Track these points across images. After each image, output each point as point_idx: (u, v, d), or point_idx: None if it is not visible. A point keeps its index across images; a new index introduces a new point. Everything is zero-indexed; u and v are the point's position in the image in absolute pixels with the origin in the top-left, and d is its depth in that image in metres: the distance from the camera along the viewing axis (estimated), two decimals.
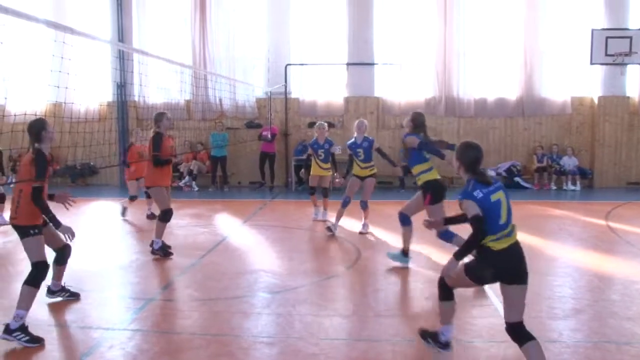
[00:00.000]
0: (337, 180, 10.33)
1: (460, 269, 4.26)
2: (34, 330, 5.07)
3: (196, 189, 16.05)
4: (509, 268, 4.06)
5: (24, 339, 4.95)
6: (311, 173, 11.14)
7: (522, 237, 4.29)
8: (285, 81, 16.38)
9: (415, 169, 7.26)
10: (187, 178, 16.23)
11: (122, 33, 16.96)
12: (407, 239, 7.55)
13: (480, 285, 5.00)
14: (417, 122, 7.35)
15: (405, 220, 7.44)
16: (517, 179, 15.86)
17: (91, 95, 16.69)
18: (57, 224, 5.35)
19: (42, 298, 6.33)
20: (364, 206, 9.70)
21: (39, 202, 5.24)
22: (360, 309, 5.97)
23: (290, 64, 16.46)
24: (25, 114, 6.99)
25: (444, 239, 6.97)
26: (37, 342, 4.97)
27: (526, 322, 4.10)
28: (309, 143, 11.43)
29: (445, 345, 4.59)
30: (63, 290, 6.18)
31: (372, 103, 16.44)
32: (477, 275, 4.26)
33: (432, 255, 8.01)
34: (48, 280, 5.63)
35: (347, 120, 16.38)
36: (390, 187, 15.72)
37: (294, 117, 16.84)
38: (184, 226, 10.39)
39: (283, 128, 16.74)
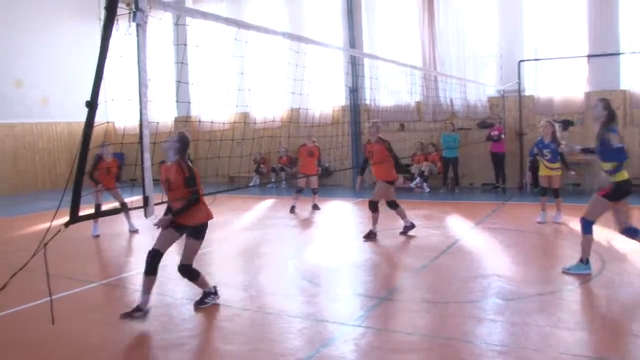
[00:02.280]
0: (572, 174, 10.70)
1: None
2: (272, 320, 5.47)
3: (427, 190, 16.03)
4: None
5: (214, 299, 6.17)
6: (539, 174, 10.76)
7: None
8: (519, 78, 15.59)
9: (609, 165, 6.77)
10: (418, 179, 16.29)
11: (353, 39, 17.60)
12: (587, 247, 6.97)
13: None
14: (611, 110, 6.76)
15: (587, 227, 6.90)
16: None
17: (325, 100, 17.57)
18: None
19: (280, 290, 6.79)
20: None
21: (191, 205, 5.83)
22: (609, 325, 5.40)
23: (523, 60, 15.64)
24: (264, 122, 7.52)
25: (629, 235, 6.70)
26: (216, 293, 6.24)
27: None
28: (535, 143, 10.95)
29: None
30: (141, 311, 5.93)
31: (617, 97, 14.88)
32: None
33: None
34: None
35: (589, 118, 15.11)
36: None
37: (528, 116, 15.98)
38: (415, 228, 10.40)
39: (517, 127, 15.99)
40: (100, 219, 10.59)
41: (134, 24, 3.75)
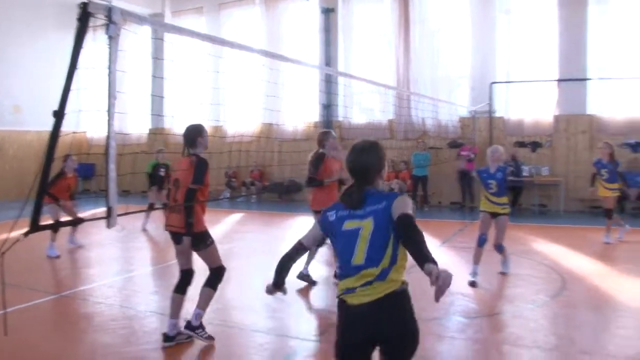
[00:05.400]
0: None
1: None
2: (235, 334, 5.44)
3: None
4: (369, 330, 2.90)
5: (204, 335, 5.42)
6: (598, 194, 10.81)
7: None
8: (490, 99, 15.91)
9: None
10: None
11: (329, 57, 17.79)
12: None
13: None
14: None
15: None
16: None
17: (298, 116, 17.68)
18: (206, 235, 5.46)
19: (244, 304, 6.78)
20: (500, 250, 8.21)
21: (188, 202, 5.23)
22: (563, 344, 5.52)
23: (495, 82, 15.96)
24: (234, 136, 7.52)
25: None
26: (212, 339, 5.44)
27: None
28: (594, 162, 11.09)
29: None
30: (202, 327, 5.55)
31: (584, 121, 15.29)
32: (335, 347, 3.05)
33: None
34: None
35: (557, 140, 15.47)
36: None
37: (499, 136, 16.27)
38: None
39: (487, 148, 16.23)
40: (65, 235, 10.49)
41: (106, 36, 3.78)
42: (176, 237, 5.45)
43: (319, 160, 7.70)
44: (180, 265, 5.60)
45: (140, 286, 7.86)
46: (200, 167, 5.30)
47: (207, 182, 5.41)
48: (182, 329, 5.45)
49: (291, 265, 3.28)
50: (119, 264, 9.38)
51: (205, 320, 5.60)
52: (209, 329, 5.76)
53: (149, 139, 19.42)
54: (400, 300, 2.91)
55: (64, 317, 6.58)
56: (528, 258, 9.44)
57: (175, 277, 8.23)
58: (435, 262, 2.58)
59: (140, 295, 7.27)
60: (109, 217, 3.72)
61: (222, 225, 13.17)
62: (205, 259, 5.56)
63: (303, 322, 6.28)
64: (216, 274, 5.55)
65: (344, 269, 2.97)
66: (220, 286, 5.69)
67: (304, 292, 7.53)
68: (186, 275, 5.54)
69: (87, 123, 19.69)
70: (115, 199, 3.77)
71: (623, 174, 10.50)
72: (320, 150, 7.81)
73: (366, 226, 2.93)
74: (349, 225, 2.99)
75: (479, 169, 8.59)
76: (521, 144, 15.98)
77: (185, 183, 5.32)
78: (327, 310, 6.71)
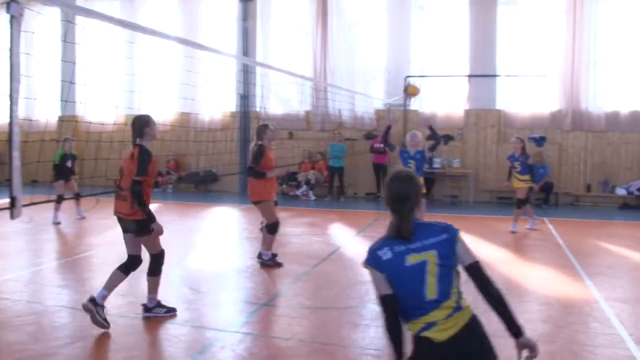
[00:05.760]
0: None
1: None
2: (149, 326, 5.36)
3: (313, 198, 16.30)
4: None
5: (162, 311, 5.84)
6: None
7: None
8: (405, 93, 16.25)
9: None
10: (304, 187, 16.52)
11: (246, 47, 17.63)
12: None
13: None
14: None
15: None
16: None
17: (215, 105, 17.46)
18: (152, 219, 5.49)
19: (159, 296, 6.66)
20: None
21: (136, 194, 5.35)
22: None
23: (409, 76, 16.31)
24: (157, 124, 7.36)
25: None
26: (173, 311, 5.91)
27: None
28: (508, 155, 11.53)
29: None
30: (159, 305, 5.95)
31: (493, 116, 15.94)
32: None
33: None
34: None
35: (467, 133, 16.04)
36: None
37: (412, 129, 16.64)
38: (299, 234, 10.54)
39: (402, 139, 16.60)
40: None
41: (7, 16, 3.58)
42: (123, 223, 5.65)
43: (260, 152, 7.87)
44: (127, 251, 5.76)
45: (48, 280, 7.54)
46: (143, 158, 5.41)
47: (151, 171, 5.52)
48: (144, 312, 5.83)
49: (401, 327, 2.95)
50: (26, 257, 8.94)
51: (117, 312, 5.45)
52: (122, 321, 5.63)
53: (59, 127, 18.59)
54: (479, 326, 2.90)
55: None
56: None
57: (85, 270, 8.02)
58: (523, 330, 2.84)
59: (49, 289, 6.98)
60: (12, 207, 3.55)
61: None
62: (146, 244, 5.74)
63: (219, 313, 6.23)
64: (156, 260, 5.81)
65: (416, 305, 2.86)
66: (134, 276, 5.66)
67: (219, 283, 7.47)
68: (132, 260, 5.74)
69: None
70: (20, 188, 3.60)
71: (532, 167, 11.04)
72: (259, 142, 7.96)
73: (431, 259, 2.86)
74: (412, 259, 2.88)
75: (401, 149, 9.23)
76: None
77: (127, 172, 5.49)
78: (243, 300, 6.68)
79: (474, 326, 2.87)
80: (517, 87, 15.76)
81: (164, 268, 5.90)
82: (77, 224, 11.68)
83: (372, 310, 6.21)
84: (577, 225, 12.14)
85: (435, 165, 15.68)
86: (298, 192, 16.45)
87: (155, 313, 5.82)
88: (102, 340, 5.27)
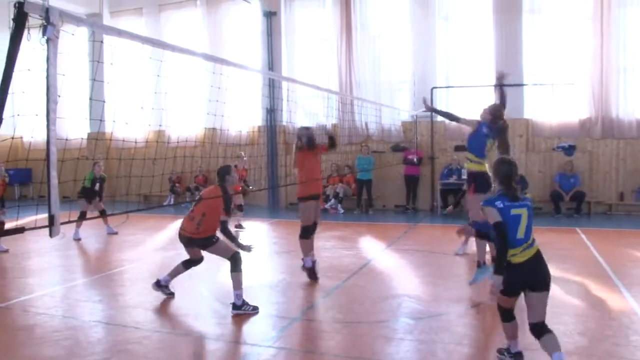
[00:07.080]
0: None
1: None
2: (183, 341, 5.36)
3: (342, 211, 16.27)
4: (529, 279, 4.51)
5: (249, 309, 6.52)
6: None
7: None
8: (431, 104, 16.18)
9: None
10: (332, 200, 16.51)
11: (272, 61, 17.75)
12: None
13: (515, 297, 4.73)
14: None
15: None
16: None
17: (241, 120, 17.58)
18: (239, 245, 6.86)
19: (192, 311, 6.69)
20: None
21: (226, 231, 6.76)
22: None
23: (436, 87, 16.28)
24: (186, 140, 7.62)
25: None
26: (257, 309, 6.58)
27: None
28: None
29: (517, 356, 4.93)
30: (245, 304, 6.61)
31: (521, 125, 15.77)
32: (506, 290, 4.61)
33: None
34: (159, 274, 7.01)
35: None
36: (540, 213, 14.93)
37: (440, 141, 16.60)
38: (329, 248, 10.52)
39: (429, 151, 16.55)
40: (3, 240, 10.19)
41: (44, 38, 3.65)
42: (186, 240, 6.95)
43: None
44: (190, 257, 7.17)
45: (83, 295, 7.63)
46: (227, 200, 6.80)
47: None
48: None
49: (507, 247, 4.46)
50: (59, 273, 9.07)
51: (152, 327, 5.47)
52: (155, 336, 5.67)
53: (89, 144, 18.89)
54: (542, 256, 4.55)
55: (1, 330, 6.31)
56: (473, 260, 9.61)
57: (118, 286, 8.10)
58: None
59: (84, 304, 7.06)
60: (51, 225, 3.60)
61: (167, 232, 12.92)
62: (217, 253, 6.85)
63: (252, 328, 6.23)
64: (233, 261, 6.66)
65: (511, 241, 4.45)
66: (164, 296, 5.72)
67: (251, 297, 7.47)
68: (193, 261, 7.20)
69: (22, 128, 18.97)
70: (58, 206, 3.65)
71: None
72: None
73: (524, 214, 4.53)
74: (515, 211, 4.52)
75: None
76: (461, 148, 16.29)
77: (211, 208, 6.76)
78: (275, 315, 6.68)
79: (540, 256, 4.54)
80: (544, 96, 15.59)
81: (196, 283, 5.96)
82: (108, 239, 11.81)
83: (405, 325, 6.17)
84: (610, 235, 11.94)
85: (464, 177, 15.52)
86: (327, 206, 16.45)
87: (245, 310, 6.47)
88: (138, 355, 5.31)
